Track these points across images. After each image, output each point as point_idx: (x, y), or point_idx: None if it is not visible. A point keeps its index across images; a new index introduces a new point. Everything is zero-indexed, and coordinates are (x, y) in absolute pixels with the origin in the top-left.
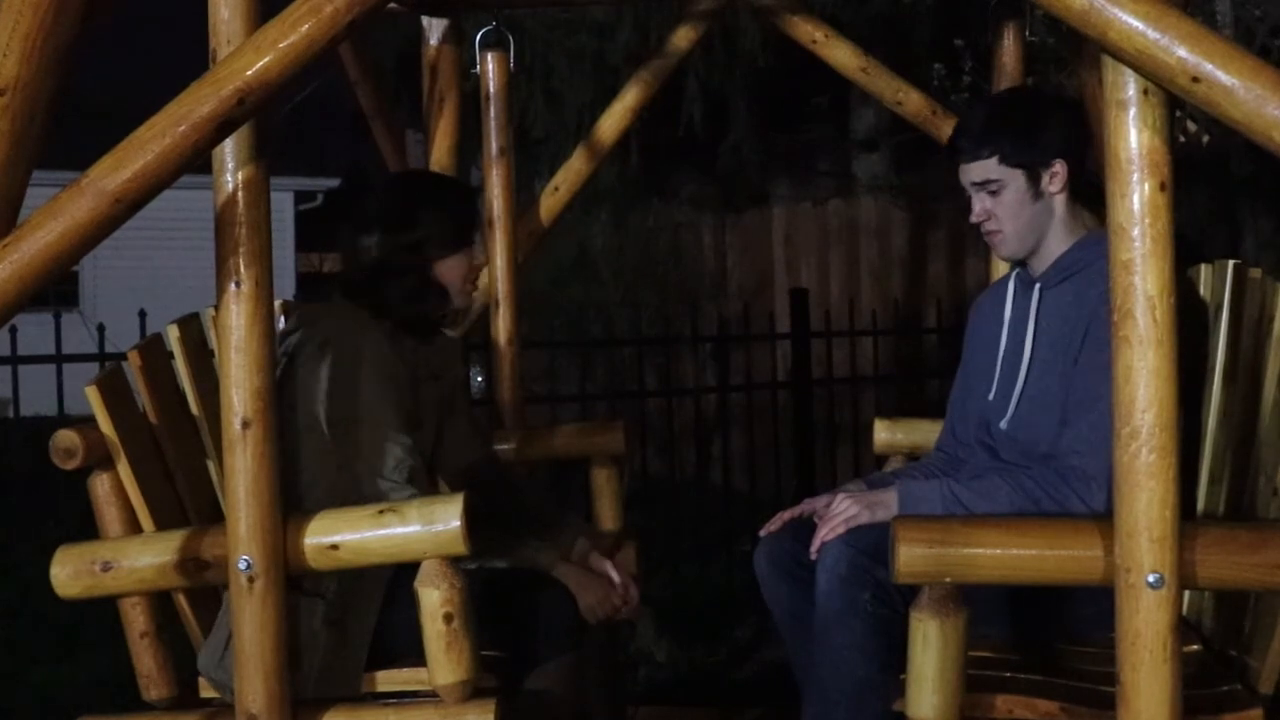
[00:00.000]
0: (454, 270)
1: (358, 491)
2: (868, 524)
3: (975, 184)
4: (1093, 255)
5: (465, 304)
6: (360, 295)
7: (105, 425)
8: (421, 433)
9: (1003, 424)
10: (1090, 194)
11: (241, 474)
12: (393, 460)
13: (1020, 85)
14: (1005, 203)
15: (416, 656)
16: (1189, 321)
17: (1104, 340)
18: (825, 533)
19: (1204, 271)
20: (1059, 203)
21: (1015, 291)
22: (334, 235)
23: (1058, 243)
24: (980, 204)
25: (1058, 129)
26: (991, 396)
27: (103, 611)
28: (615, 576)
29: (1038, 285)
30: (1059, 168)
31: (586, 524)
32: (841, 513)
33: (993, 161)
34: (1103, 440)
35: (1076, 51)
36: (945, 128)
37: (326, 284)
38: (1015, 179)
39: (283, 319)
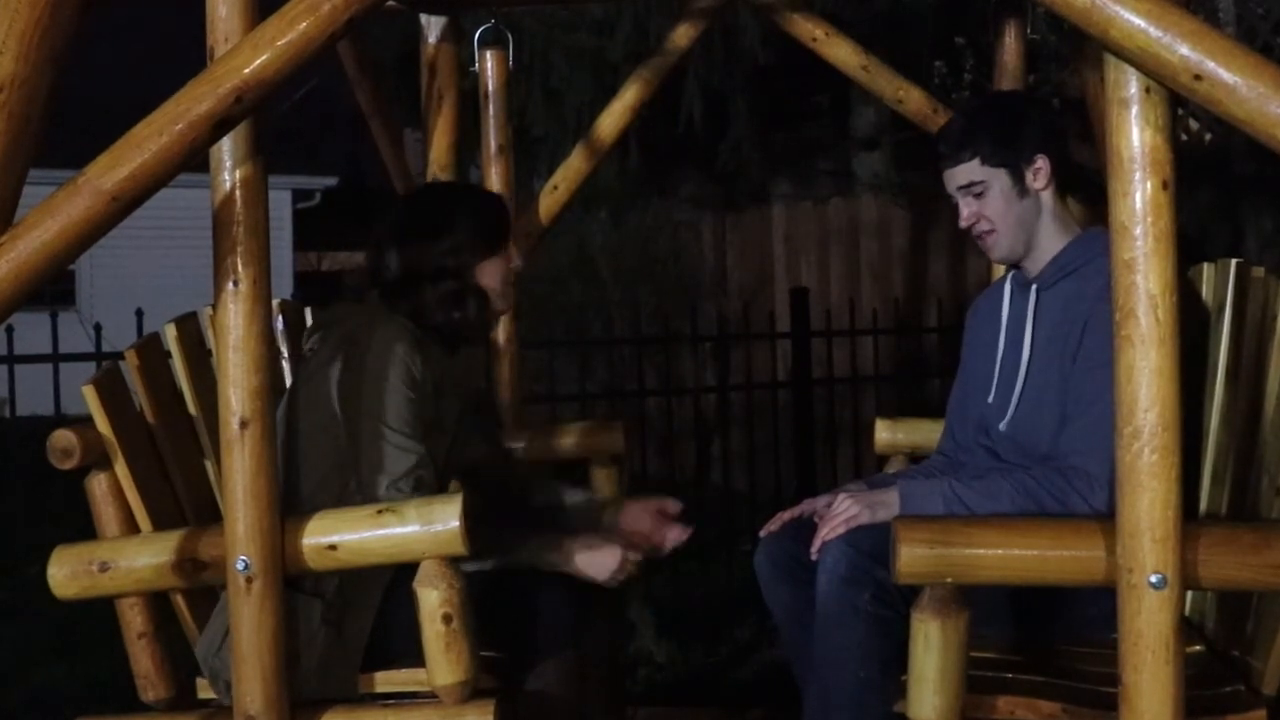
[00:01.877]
0: (493, 273)
1: (363, 494)
2: (869, 524)
3: (960, 188)
4: (1089, 253)
5: (507, 307)
6: (399, 301)
7: (103, 425)
8: (438, 442)
9: (1002, 426)
10: (1090, 191)
11: (239, 474)
12: (404, 467)
13: (998, 90)
14: (992, 202)
15: (415, 657)
16: (1188, 321)
17: (1102, 338)
18: (826, 532)
19: (1207, 271)
20: (1046, 198)
21: (1012, 293)
22: (332, 234)
23: (1050, 241)
24: (968, 208)
25: (1035, 126)
26: (991, 399)
27: (100, 612)
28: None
29: (1034, 286)
30: (1041, 163)
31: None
32: (842, 512)
33: (975, 163)
34: (1103, 439)
35: (1078, 49)
36: None
37: (344, 286)
38: (998, 178)
39: (280, 319)
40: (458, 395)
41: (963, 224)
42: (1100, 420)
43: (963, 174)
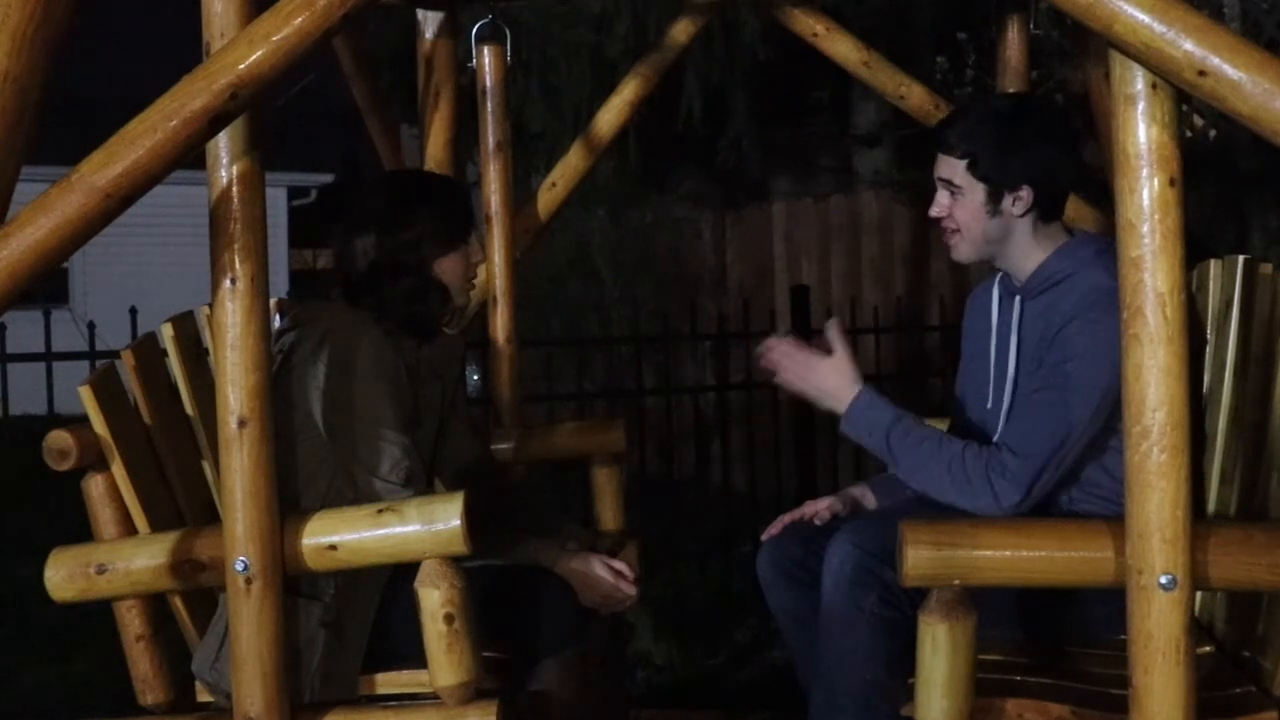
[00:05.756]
0: (453, 269)
1: (354, 492)
2: (876, 525)
3: (941, 179)
4: (1071, 265)
5: (465, 302)
6: (361, 296)
7: (99, 426)
8: (422, 432)
9: (997, 435)
10: (1095, 191)
11: (238, 474)
12: (390, 461)
13: (1027, 97)
14: (963, 208)
15: (416, 658)
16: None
17: (1070, 346)
18: (775, 362)
19: (1214, 267)
20: (1021, 224)
21: (1000, 298)
22: (328, 232)
23: (1025, 257)
24: (941, 200)
25: (1038, 156)
26: (989, 405)
27: (94, 614)
28: (618, 568)
29: (1019, 297)
30: (1025, 193)
31: (583, 528)
32: (783, 358)
33: (961, 165)
34: (1039, 447)
35: (1082, 45)
36: None
37: (322, 282)
38: (976, 190)
39: (278, 317)
40: (438, 383)
41: (932, 214)
42: (1041, 428)
43: (946, 169)
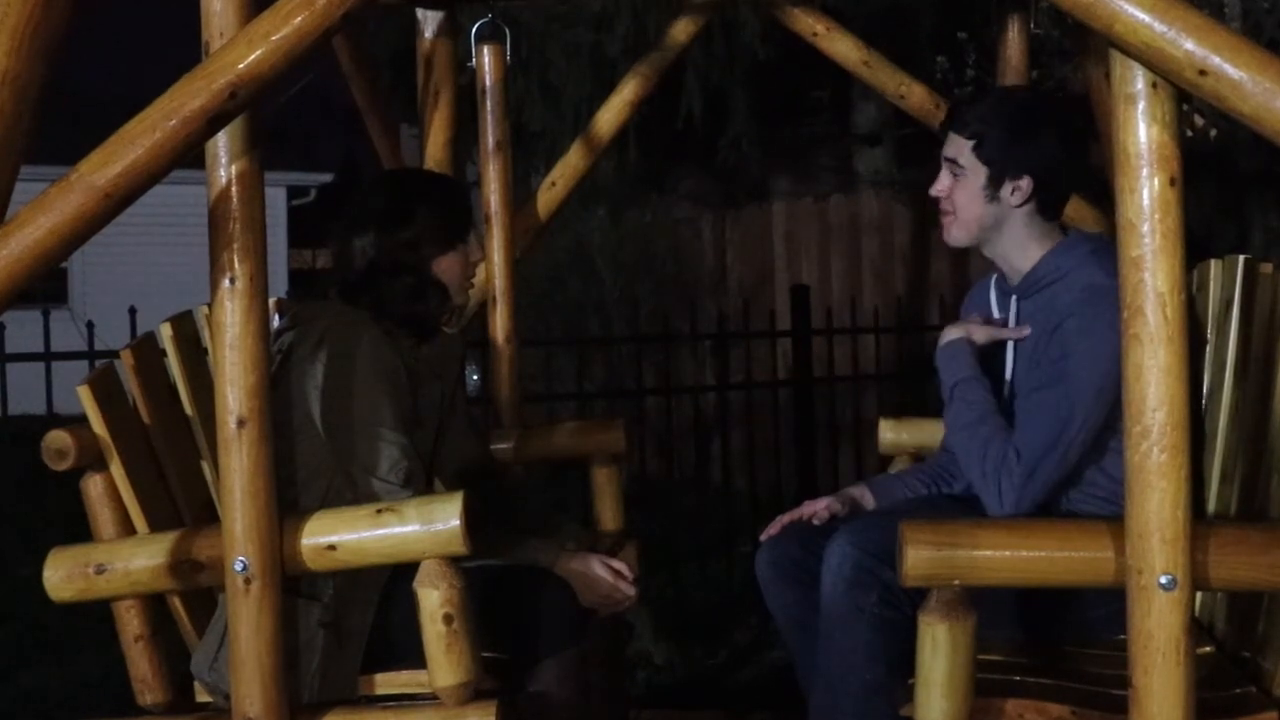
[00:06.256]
0: (452, 268)
1: (353, 492)
2: (875, 524)
3: (947, 158)
4: (1066, 264)
5: (464, 301)
6: (359, 295)
7: (98, 425)
8: (422, 432)
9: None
10: (1096, 191)
11: (237, 473)
12: (388, 461)
13: (1050, 94)
14: (962, 189)
15: (415, 658)
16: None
17: (1066, 343)
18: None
19: (1214, 267)
20: (1017, 216)
21: (996, 299)
22: (327, 231)
23: (1020, 254)
24: (943, 180)
25: (1043, 148)
26: None
27: (92, 614)
28: (618, 568)
29: (1014, 296)
30: (1024, 183)
31: (583, 528)
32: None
33: (969, 145)
34: (1035, 453)
35: (1082, 45)
36: None
37: (320, 281)
38: (978, 173)
39: (277, 317)
40: (437, 382)
41: (932, 192)
42: (1042, 427)
43: (953, 147)
